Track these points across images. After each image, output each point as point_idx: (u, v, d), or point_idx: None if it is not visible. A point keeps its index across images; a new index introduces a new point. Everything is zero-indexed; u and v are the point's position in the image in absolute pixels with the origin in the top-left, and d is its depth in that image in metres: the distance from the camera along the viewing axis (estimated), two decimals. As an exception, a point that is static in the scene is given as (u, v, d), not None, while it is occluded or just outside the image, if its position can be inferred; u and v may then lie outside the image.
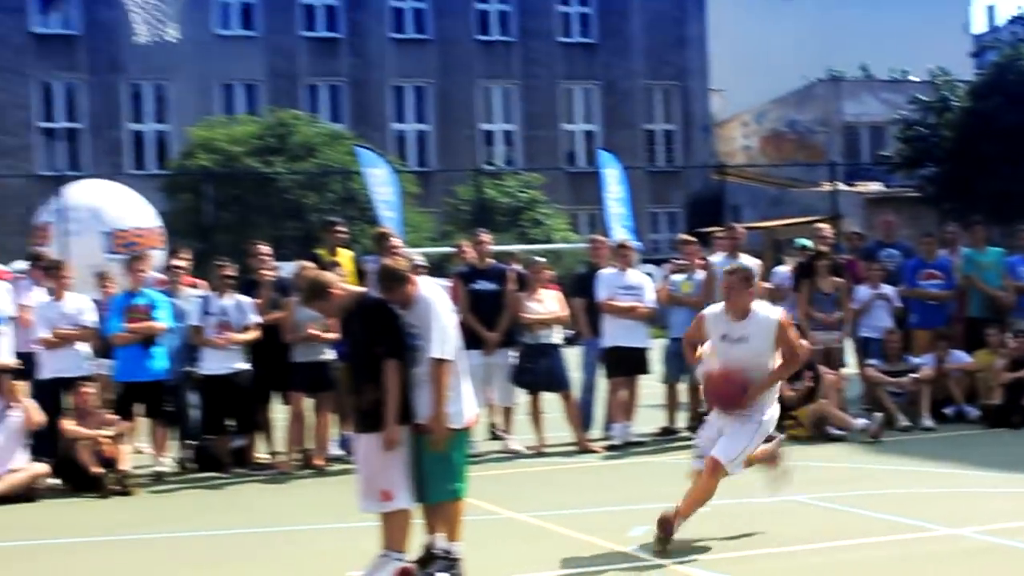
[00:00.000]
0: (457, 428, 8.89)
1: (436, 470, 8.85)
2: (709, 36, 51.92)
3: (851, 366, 17.80)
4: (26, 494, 13.07)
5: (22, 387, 13.76)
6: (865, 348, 17.37)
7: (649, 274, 17.73)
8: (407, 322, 8.86)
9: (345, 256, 15.45)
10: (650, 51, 51.29)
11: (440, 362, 8.71)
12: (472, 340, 14.69)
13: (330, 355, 14.37)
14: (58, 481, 13.69)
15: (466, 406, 9.02)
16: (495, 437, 15.83)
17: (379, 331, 8.84)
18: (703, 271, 16.17)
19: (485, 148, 49.48)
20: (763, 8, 57.32)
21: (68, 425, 13.65)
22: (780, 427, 15.57)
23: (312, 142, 40.36)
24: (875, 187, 48.09)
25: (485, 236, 16.09)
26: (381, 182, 27.03)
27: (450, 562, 8.89)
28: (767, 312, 10.16)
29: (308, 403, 14.50)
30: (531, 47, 50.17)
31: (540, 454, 15.12)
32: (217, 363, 14.42)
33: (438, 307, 8.90)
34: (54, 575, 9.86)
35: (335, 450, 14.99)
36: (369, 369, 8.80)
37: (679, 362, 16.18)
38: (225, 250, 24.44)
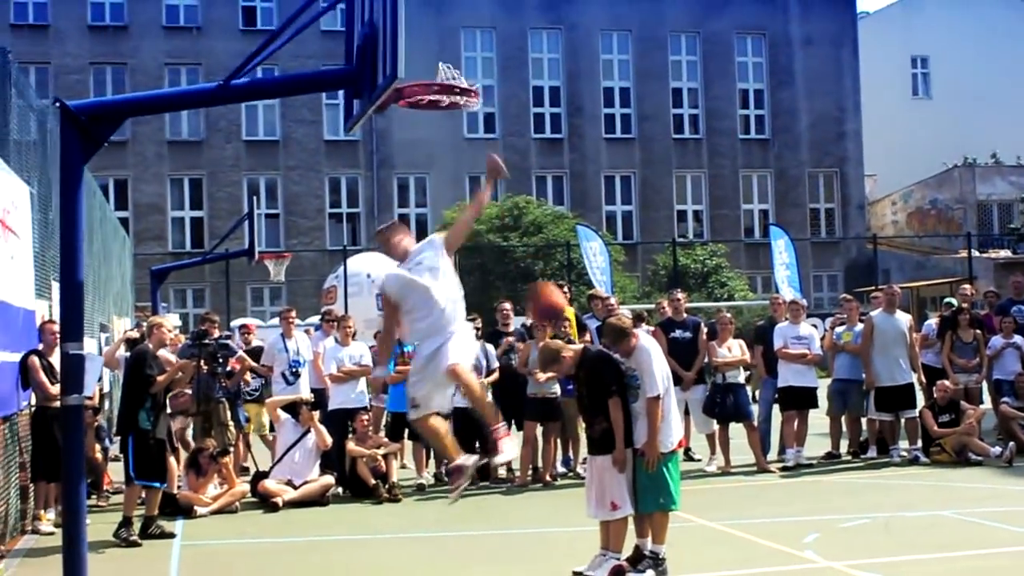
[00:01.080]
0: (666, 451, 8.84)
1: (649, 486, 8.81)
2: (864, 130, 50.96)
3: (987, 403, 17.18)
4: (318, 500, 13.30)
5: (316, 416, 14.05)
6: (999, 388, 16.71)
7: (815, 326, 17.40)
8: (628, 367, 8.89)
9: (569, 312, 15.46)
10: (814, 144, 50.54)
11: (654, 399, 8.71)
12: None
13: (557, 391, 14.38)
14: (342, 490, 13.94)
15: (674, 433, 9.00)
16: (689, 458, 15.63)
17: (603, 376, 8.87)
18: (861, 324, 15.85)
19: (679, 224, 49.25)
20: (909, 106, 56.08)
21: (351, 446, 13.88)
22: (927, 453, 15.21)
23: (540, 221, 40.70)
24: (1004, 253, 46.61)
25: (680, 295, 15.98)
26: (596, 252, 27.10)
27: (656, 561, 8.82)
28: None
29: (538, 430, 14.51)
30: (716, 143, 49.83)
31: (726, 473, 14.89)
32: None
33: (653, 354, 8.91)
34: (341, 563, 10.00)
35: (559, 468, 14.98)
36: (597, 406, 8.89)
37: (841, 399, 15.91)
38: (472, 307, 24.76)
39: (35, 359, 11.13)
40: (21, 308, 10.72)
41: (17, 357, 10.72)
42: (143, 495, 11.51)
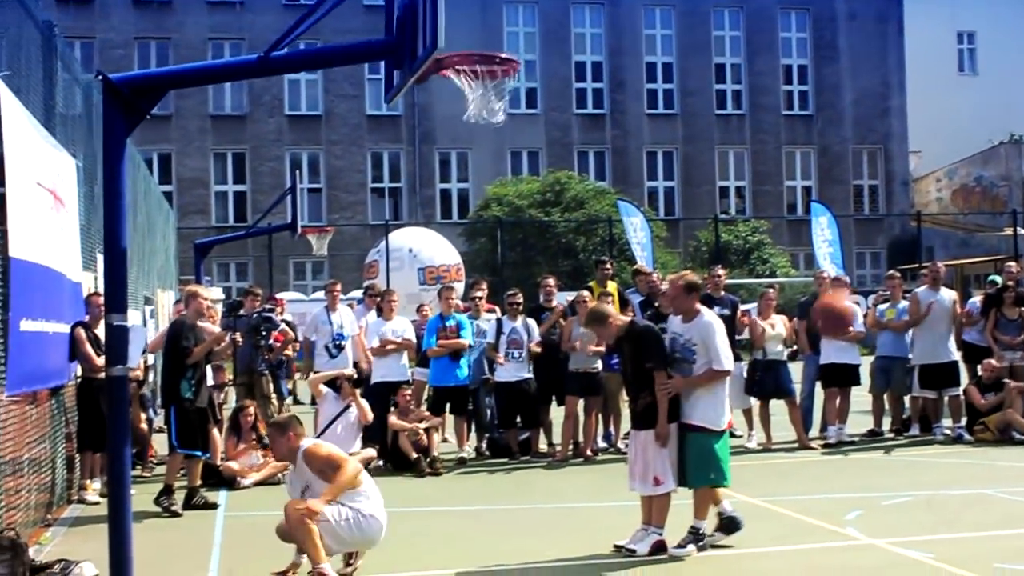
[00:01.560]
0: (717, 430, 8.84)
1: (699, 462, 8.79)
2: (909, 107, 50.50)
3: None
4: (360, 473, 13.36)
5: (358, 391, 14.07)
6: (1044, 366, 16.51)
7: (857, 303, 17.25)
8: (686, 339, 8.82)
9: (612, 287, 15.44)
10: (858, 120, 50.15)
11: (722, 372, 8.68)
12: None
13: (598, 366, 14.35)
14: (384, 463, 13.98)
15: (727, 412, 8.99)
16: (730, 435, 15.53)
17: (649, 350, 8.87)
18: (904, 301, 15.72)
19: (721, 200, 49.05)
20: (954, 82, 55.46)
21: (393, 419, 13.93)
22: (971, 431, 15.07)
23: (582, 196, 40.64)
24: (1051, 231, 46.08)
25: (720, 271, 15.86)
26: (637, 228, 27.00)
27: (697, 536, 8.80)
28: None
29: (580, 405, 14.49)
30: (759, 119, 49.55)
31: (767, 450, 14.83)
32: (508, 373, 14.53)
33: (718, 327, 8.84)
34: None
35: (600, 443, 14.96)
36: (641, 380, 8.87)
37: (884, 376, 15.79)
38: (513, 282, 24.74)
39: (81, 331, 11.21)
40: (70, 280, 10.78)
41: (67, 328, 10.78)
42: (184, 465, 11.60)
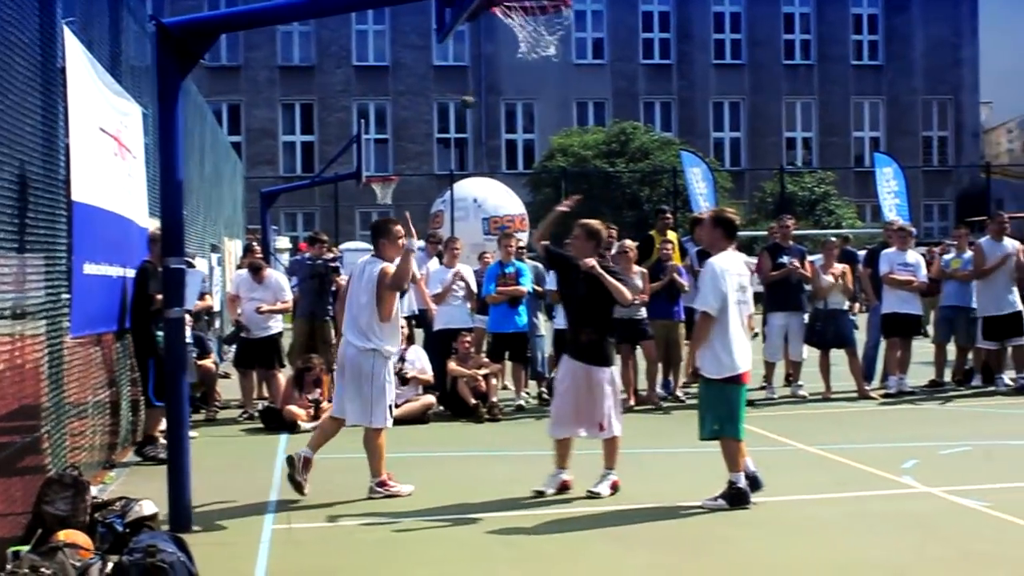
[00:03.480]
0: (718, 378, 8.39)
1: (701, 410, 8.61)
2: (980, 57, 49.55)
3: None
4: (419, 418, 13.42)
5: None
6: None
7: (923, 254, 17.01)
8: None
9: (672, 236, 15.38)
10: (929, 71, 49.30)
11: (702, 315, 8.44)
12: (773, 303, 14.57)
13: (643, 313, 14.17)
14: (443, 409, 14.06)
15: (722, 361, 8.38)
16: (789, 384, 15.42)
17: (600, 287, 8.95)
18: (970, 251, 15.49)
19: (787, 151, 48.54)
20: (1027, 32, 54.43)
21: (452, 365, 13.97)
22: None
23: (647, 147, 40.39)
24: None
25: (790, 221, 15.65)
26: (700, 179, 26.78)
27: (731, 490, 8.41)
28: None
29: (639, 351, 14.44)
30: (828, 69, 48.86)
31: (826, 399, 14.70)
32: (564, 320, 14.49)
33: (716, 270, 8.43)
34: (441, 478, 10.06)
35: (659, 391, 14.87)
36: (587, 314, 9.00)
37: (948, 326, 15.60)
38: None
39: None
40: (137, 225, 10.84)
41: (133, 273, 10.84)
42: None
